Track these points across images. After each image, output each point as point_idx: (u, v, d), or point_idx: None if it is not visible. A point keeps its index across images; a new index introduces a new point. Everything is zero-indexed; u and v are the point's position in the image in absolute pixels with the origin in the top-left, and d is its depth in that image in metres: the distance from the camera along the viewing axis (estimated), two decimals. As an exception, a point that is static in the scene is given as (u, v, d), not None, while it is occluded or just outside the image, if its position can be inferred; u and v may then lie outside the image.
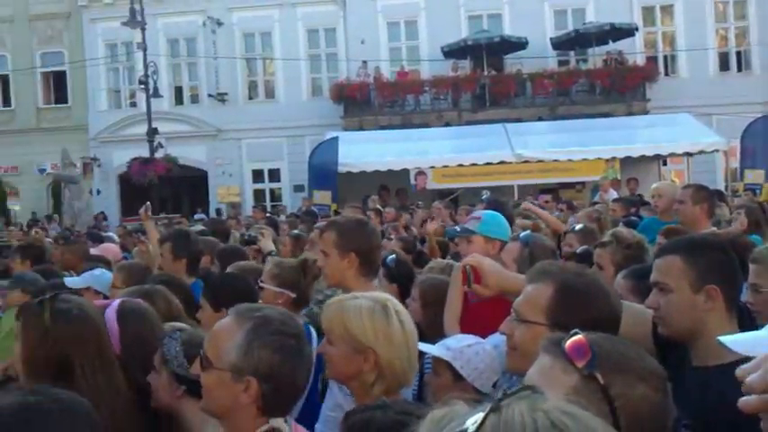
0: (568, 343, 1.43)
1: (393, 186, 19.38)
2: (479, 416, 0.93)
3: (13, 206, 27.14)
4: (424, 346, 2.46)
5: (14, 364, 4.48)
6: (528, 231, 4.10)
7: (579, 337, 1.45)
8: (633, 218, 7.06)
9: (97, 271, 4.62)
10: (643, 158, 19.55)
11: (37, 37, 28.43)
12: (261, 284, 3.44)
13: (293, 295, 3.39)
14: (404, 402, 1.89)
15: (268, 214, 13.61)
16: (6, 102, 29.04)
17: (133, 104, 27.42)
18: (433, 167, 19.28)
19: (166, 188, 24.52)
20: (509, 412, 0.93)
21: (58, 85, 28.72)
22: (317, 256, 3.80)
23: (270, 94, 27.58)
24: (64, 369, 1.97)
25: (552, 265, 2.15)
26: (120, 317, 2.22)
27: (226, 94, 26.61)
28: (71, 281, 4.41)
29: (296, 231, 6.85)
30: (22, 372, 2.07)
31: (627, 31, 23.09)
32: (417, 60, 25.84)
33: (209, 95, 26.79)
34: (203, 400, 1.86)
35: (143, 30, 22.01)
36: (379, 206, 10.94)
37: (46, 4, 28.21)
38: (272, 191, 27.40)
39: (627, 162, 19.03)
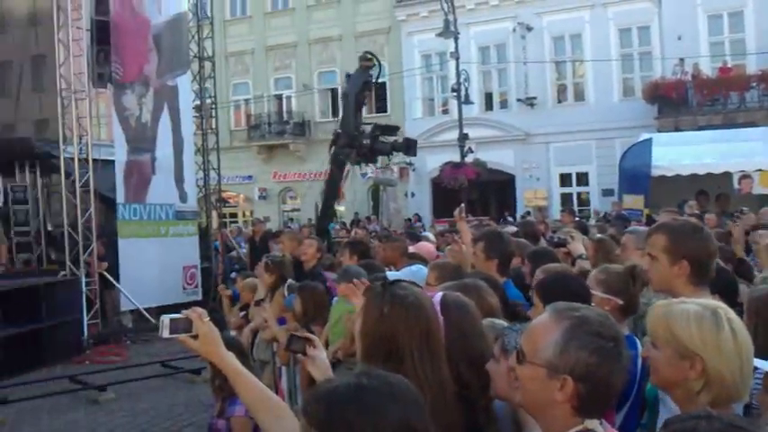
0: None
1: (712, 191, 17.97)
2: None
3: (339, 207, 29.81)
4: (755, 362, 2.26)
5: (342, 348, 4.94)
6: None
7: None
8: None
9: (415, 267, 4.91)
10: None
11: (361, 52, 30.89)
12: None
13: (621, 302, 3.29)
14: (733, 415, 1.74)
15: (577, 218, 13.38)
16: (335, 112, 31.97)
17: (445, 112, 28.61)
18: (760, 170, 17.54)
19: (475, 191, 25.21)
20: None
21: (378, 96, 30.95)
22: (629, 260, 3.66)
23: (579, 96, 27.14)
24: (394, 353, 2.09)
25: None
26: (444, 308, 2.31)
27: (534, 98, 26.70)
28: (392, 275, 4.71)
29: (599, 235, 6.58)
30: (358, 349, 2.24)
31: None
32: (742, 54, 23.71)
33: (518, 100, 27.07)
34: (518, 393, 1.88)
35: (456, 39, 22.90)
36: (697, 211, 10.22)
37: (369, 21, 30.59)
38: (579, 195, 26.95)
39: None
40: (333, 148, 11.68)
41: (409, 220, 23.03)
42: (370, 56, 11.88)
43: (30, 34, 15.84)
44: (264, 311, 5.82)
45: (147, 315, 13.44)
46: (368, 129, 12.23)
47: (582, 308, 1.88)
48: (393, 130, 12.14)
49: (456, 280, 3.49)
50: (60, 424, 8.28)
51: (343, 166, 12.13)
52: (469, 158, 23.09)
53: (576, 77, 27.41)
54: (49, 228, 15.65)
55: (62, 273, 12.88)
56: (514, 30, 26.99)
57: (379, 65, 11.94)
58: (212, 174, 17.05)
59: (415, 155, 13.09)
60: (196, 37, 16.71)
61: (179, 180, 15.06)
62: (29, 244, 14.37)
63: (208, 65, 17.01)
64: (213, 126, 17.31)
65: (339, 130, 11.87)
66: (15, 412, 8.55)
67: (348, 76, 12.60)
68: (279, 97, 33.06)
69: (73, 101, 13.05)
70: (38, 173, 15.27)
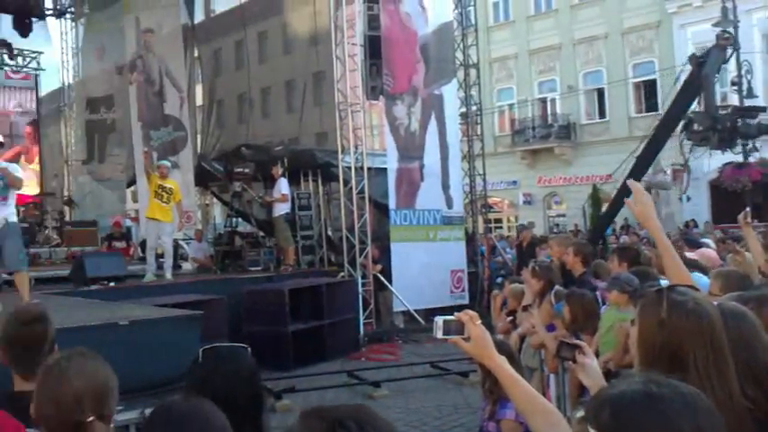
0: None
1: None
2: None
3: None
4: None
5: (614, 359, 4.77)
6: None
7: None
8: None
9: (693, 276, 4.59)
10: None
11: (629, 49, 29.68)
12: None
13: None
14: None
15: None
16: (602, 113, 30.98)
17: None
18: None
19: (760, 194, 23.08)
20: None
21: (648, 94, 29.48)
22: None
23: None
24: (676, 363, 1.96)
25: None
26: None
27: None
28: (665, 283, 4.46)
29: None
30: (636, 358, 2.15)
31: None
32: None
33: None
34: None
35: (735, 28, 21.10)
36: None
37: (637, 16, 29.29)
38: None
39: None
40: (685, 133, 11.23)
41: (686, 225, 21.64)
42: (727, 34, 11.35)
43: (311, 53, 17.23)
44: (532, 317, 5.79)
45: (416, 316, 13.99)
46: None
47: None
48: (756, 111, 11.37)
49: (743, 290, 3.23)
50: (340, 416, 8.85)
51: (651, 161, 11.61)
52: (754, 158, 21.17)
53: None
54: (329, 232, 16.87)
55: (341, 274, 13.82)
56: (808, 11, 24.37)
57: (735, 42, 11.40)
58: (478, 179, 17.33)
59: None
60: (461, 45, 17.09)
61: (446, 186, 15.50)
62: (312, 247, 15.58)
63: (473, 72, 17.31)
64: (478, 132, 17.58)
65: (691, 115, 11.41)
66: (301, 401, 9.31)
67: (698, 56, 11.92)
68: (543, 101, 32.74)
69: (349, 113, 13.98)
70: (319, 181, 16.52)
